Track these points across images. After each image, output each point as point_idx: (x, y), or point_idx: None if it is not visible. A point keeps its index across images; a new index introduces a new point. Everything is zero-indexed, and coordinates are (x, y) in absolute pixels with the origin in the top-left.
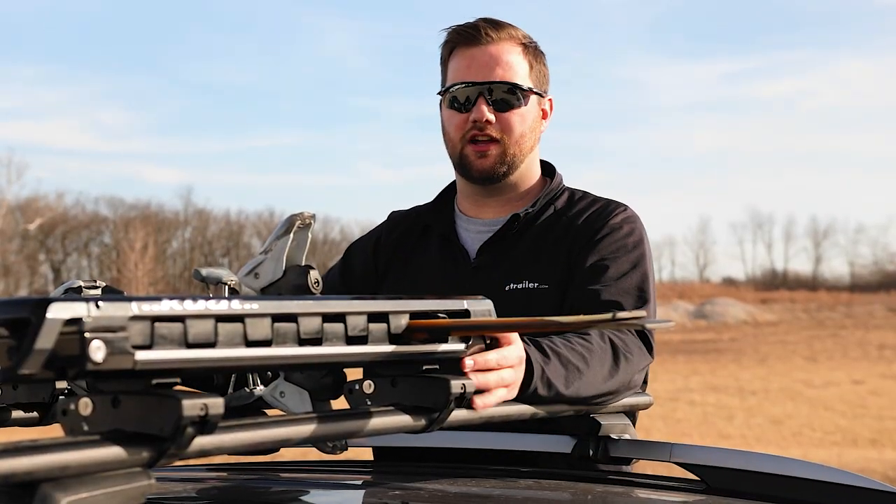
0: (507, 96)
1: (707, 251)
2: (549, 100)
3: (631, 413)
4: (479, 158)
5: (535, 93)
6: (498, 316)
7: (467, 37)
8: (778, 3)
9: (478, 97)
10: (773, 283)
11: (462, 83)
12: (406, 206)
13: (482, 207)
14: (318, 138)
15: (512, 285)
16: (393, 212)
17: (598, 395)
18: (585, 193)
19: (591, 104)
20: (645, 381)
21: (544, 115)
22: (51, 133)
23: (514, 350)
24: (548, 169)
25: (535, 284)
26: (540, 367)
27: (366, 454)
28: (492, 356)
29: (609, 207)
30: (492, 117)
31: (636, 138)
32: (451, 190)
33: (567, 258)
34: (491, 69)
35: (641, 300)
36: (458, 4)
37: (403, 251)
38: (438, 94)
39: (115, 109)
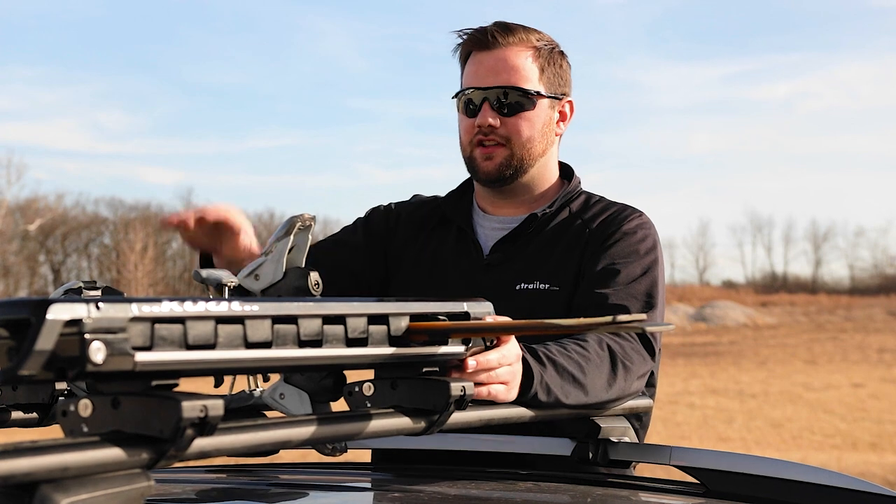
0: (513, 100)
1: (706, 254)
2: (569, 102)
3: (639, 418)
4: (484, 161)
5: (547, 96)
6: (505, 315)
7: (477, 41)
8: (776, 5)
9: (483, 102)
10: (773, 286)
11: (469, 88)
12: None
13: (498, 207)
14: (318, 139)
15: (523, 285)
16: (416, 195)
17: (597, 402)
18: (602, 198)
19: (589, 105)
20: (653, 385)
21: (562, 118)
22: (50, 134)
23: (512, 348)
24: (566, 171)
25: (546, 286)
26: (539, 373)
27: (365, 456)
28: (493, 356)
29: (624, 212)
30: (496, 122)
31: (635, 140)
32: (470, 184)
33: (579, 261)
34: (497, 74)
35: (648, 305)
36: (456, 6)
37: (421, 237)
38: (452, 98)
39: (115, 110)
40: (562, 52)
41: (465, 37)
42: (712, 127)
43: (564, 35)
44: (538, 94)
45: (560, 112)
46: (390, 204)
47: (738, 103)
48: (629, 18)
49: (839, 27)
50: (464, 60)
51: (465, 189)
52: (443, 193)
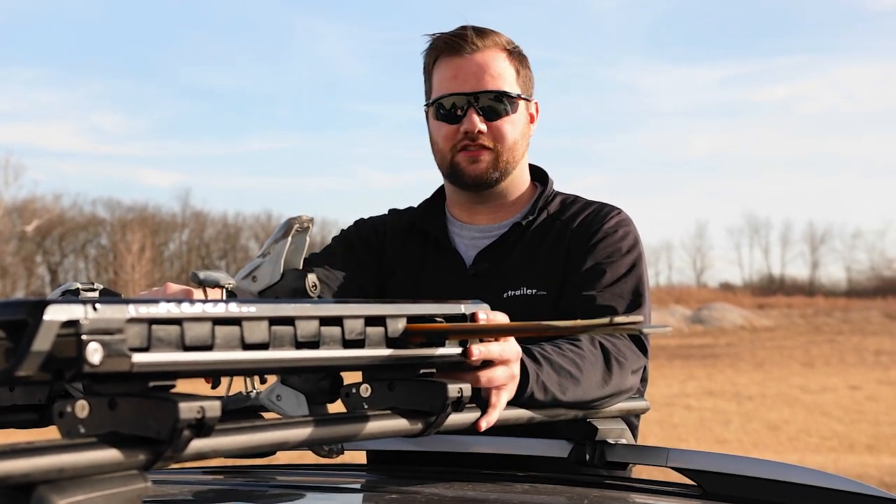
0: (497, 105)
1: (704, 256)
2: (535, 103)
3: (637, 417)
4: (470, 164)
5: (523, 98)
6: None
7: (453, 46)
8: (774, 8)
9: (468, 108)
10: (770, 289)
11: (451, 94)
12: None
13: (474, 214)
14: (316, 142)
15: (510, 292)
16: (391, 209)
17: (594, 399)
18: (577, 197)
19: (587, 108)
20: (645, 380)
21: (531, 120)
22: (48, 135)
23: (512, 345)
24: (537, 173)
25: (534, 291)
26: (535, 372)
27: (362, 458)
28: (495, 347)
29: (603, 211)
30: (483, 127)
31: (633, 142)
32: (441, 194)
33: (564, 263)
34: (479, 78)
35: (636, 304)
36: (454, 9)
37: (403, 251)
38: (426, 106)
39: (113, 112)
40: (525, 55)
41: (436, 41)
42: (710, 129)
43: (562, 38)
44: (518, 96)
45: (529, 114)
46: (371, 218)
47: (736, 106)
48: (627, 21)
49: (837, 30)
50: (431, 66)
51: (436, 199)
52: (415, 205)
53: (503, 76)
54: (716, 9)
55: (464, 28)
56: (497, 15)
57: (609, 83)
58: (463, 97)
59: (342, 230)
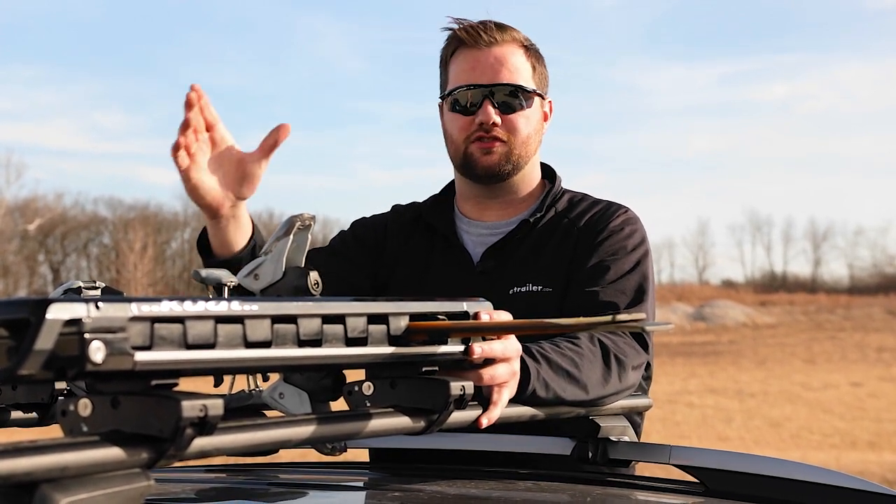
0: (513, 99)
1: (706, 253)
2: (549, 102)
3: (639, 414)
4: (484, 155)
5: (538, 95)
6: None
7: (471, 38)
8: (774, 7)
9: (483, 100)
10: (772, 286)
11: (467, 85)
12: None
13: (484, 210)
14: (316, 140)
15: (516, 289)
16: (395, 204)
17: (594, 397)
18: (585, 195)
19: (588, 107)
20: (649, 378)
21: (545, 118)
22: (49, 134)
23: (513, 342)
24: (547, 171)
25: (540, 287)
26: (535, 370)
27: (364, 456)
28: (497, 346)
29: (610, 209)
30: (498, 119)
31: (634, 141)
32: (449, 190)
33: (570, 260)
34: (496, 71)
35: (639, 300)
36: (453, 8)
37: (408, 248)
38: (441, 97)
39: (113, 111)
40: (542, 53)
41: (455, 33)
42: (711, 128)
43: (562, 38)
44: (533, 92)
45: (543, 112)
46: (374, 216)
47: (736, 105)
48: (627, 21)
49: (837, 29)
50: (449, 57)
51: (445, 195)
52: (421, 200)
53: (520, 71)
54: (715, 8)
55: (483, 21)
56: (497, 15)
57: (609, 83)
58: (479, 89)
59: (340, 231)
